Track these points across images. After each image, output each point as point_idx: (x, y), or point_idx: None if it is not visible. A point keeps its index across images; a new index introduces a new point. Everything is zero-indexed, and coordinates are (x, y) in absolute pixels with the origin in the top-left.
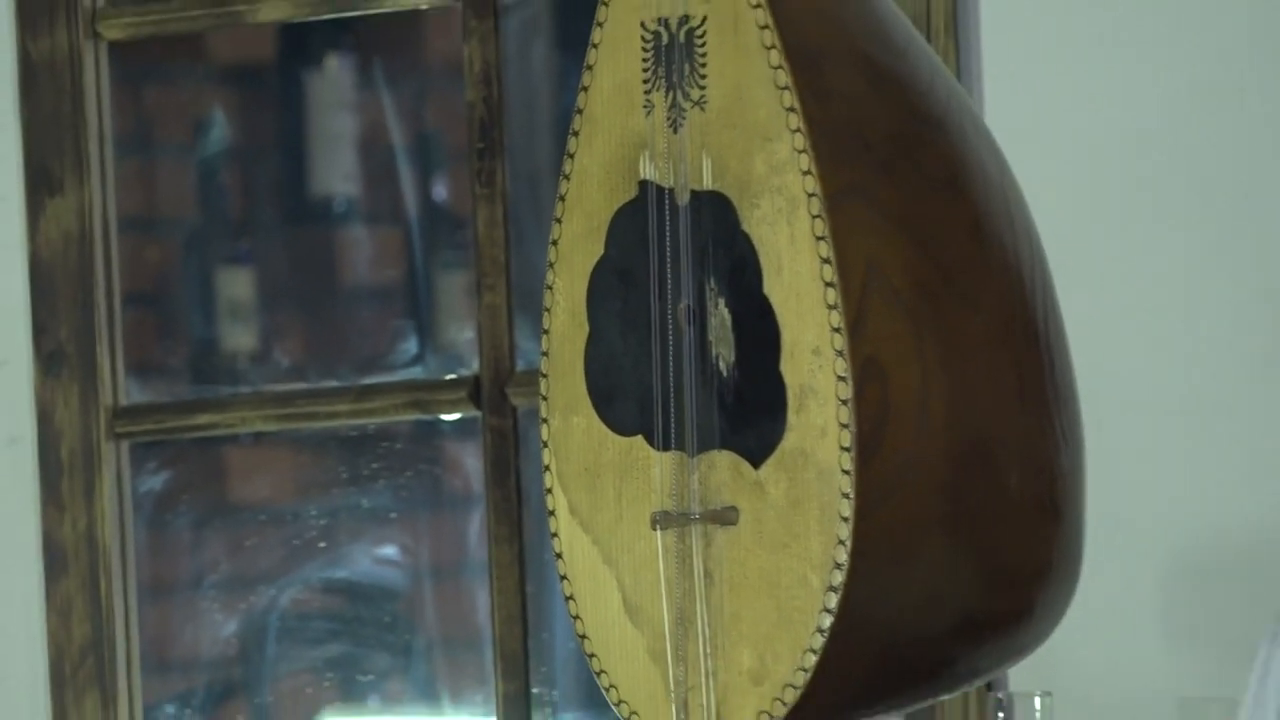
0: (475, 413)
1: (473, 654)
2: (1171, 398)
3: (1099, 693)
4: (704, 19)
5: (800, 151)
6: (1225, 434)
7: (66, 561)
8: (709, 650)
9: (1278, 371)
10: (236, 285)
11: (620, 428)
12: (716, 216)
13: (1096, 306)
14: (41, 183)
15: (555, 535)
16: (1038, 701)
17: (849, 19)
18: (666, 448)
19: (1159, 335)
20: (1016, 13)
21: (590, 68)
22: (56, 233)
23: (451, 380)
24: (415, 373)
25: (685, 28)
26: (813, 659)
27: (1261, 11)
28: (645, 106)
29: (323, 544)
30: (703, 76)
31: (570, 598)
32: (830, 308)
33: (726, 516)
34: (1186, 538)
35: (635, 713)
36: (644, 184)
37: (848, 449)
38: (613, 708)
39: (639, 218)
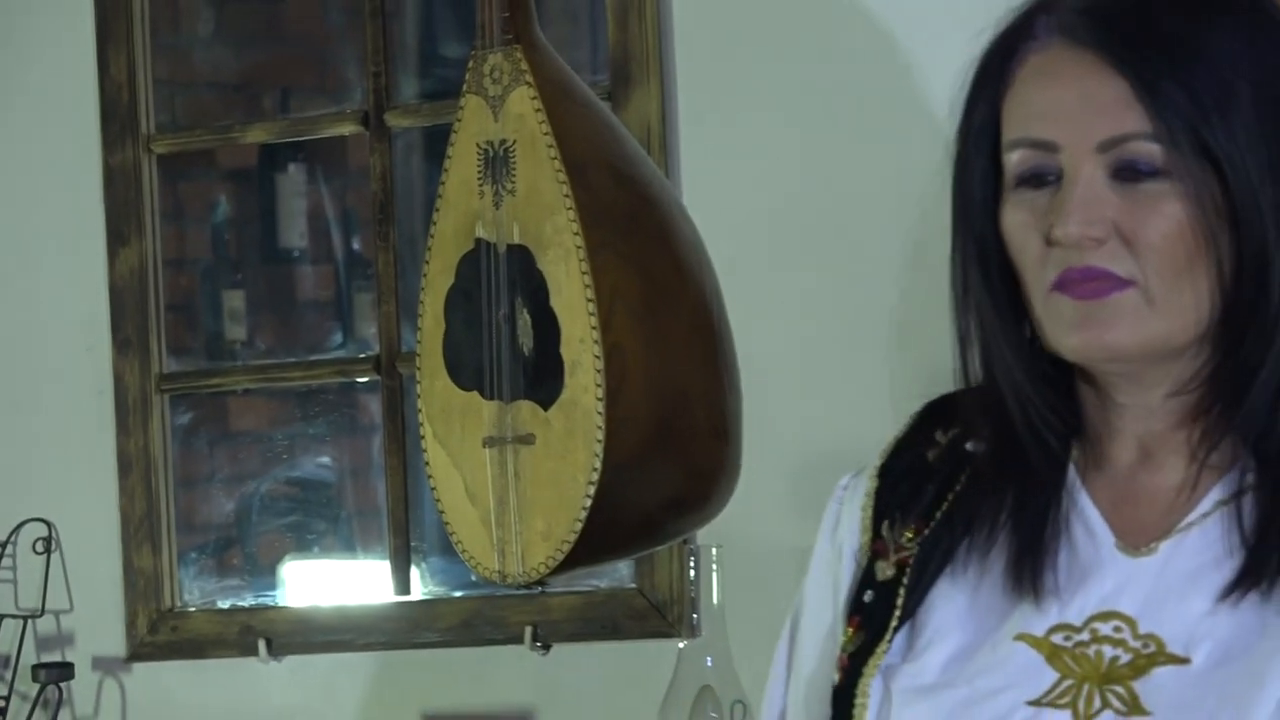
0: (377, 377)
1: (375, 522)
2: (795, 364)
3: (750, 544)
4: (514, 141)
5: (571, 222)
6: (831, 386)
7: (131, 465)
8: (517, 519)
9: (862, 347)
10: (233, 300)
11: (464, 386)
12: (522, 260)
13: (751, 307)
14: (116, 239)
15: (425, 450)
16: (714, 551)
17: (600, 141)
18: (491, 398)
19: (788, 325)
20: (702, 133)
21: (446, 170)
22: (125, 269)
23: (363, 358)
24: (341, 353)
25: (503, 146)
26: (579, 525)
27: (870, 121)
28: (479, 193)
29: (285, 456)
30: (513, 175)
31: (434, 487)
32: (590, 315)
33: (527, 439)
34: (808, 447)
35: (473, 558)
36: (478, 240)
37: (600, 399)
38: (459, 554)
39: (475, 260)
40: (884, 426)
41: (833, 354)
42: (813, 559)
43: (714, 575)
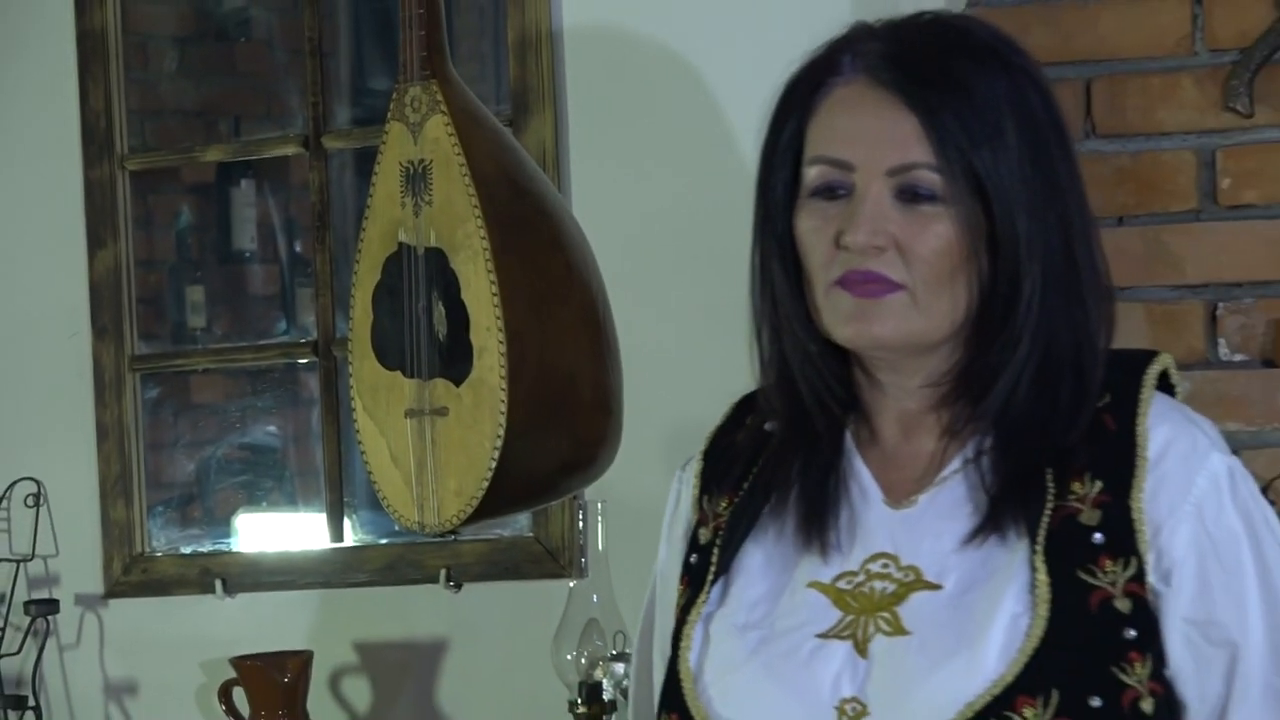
0: (315, 359)
1: (313, 480)
2: (666, 349)
3: (629, 500)
4: (431, 161)
5: (479, 228)
6: (696, 367)
7: (108, 433)
8: (433, 479)
9: (722, 334)
10: (195, 295)
11: (388, 366)
12: (438, 260)
13: (630, 301)
14: (95, 242)
15: (355, 420)
16: (599, 506)
17: (503, 160)
18: (411, 377)
19: (661, 317)
20: (589, 154)
21: (373, 185)
22: (102, 268)
23: (303, 342)
24: (285, 338)
25: (422, 165)
26: (485, 484)
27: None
28: (402, 205)
29: (237, 425)
30: (430, 190)
31: (363, 452)
32: (495, 307)
33: (442, 412)
34: (677, 419)
35: (396, 511)
36: (401, 244)
37: (503, 378)
38: (385, 508)
39: (398, 261)
40: None
41: (697, 340)
42: (662, 532)
43: (599, 526)
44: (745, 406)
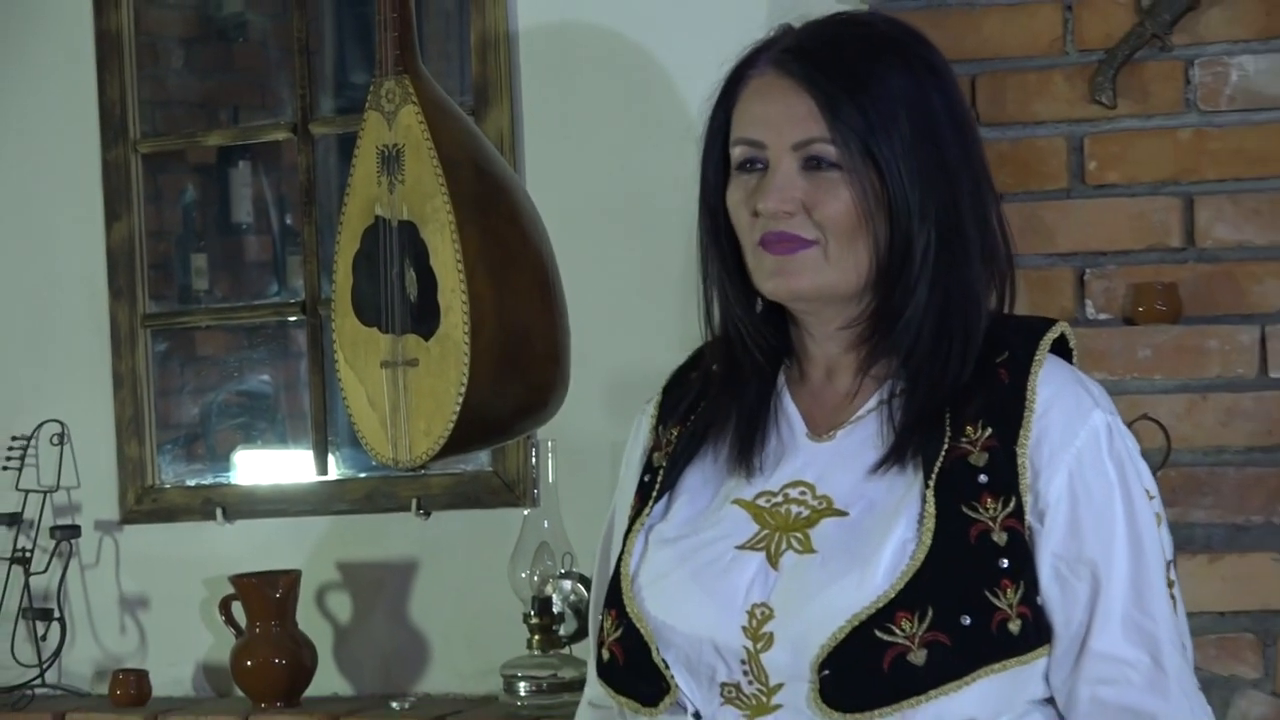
0: (303, 317)
1: (302, 422)
2: (608, 308)
3: (575, 439)
4: (404, 145)
5: (445, 204)
6: (634, 324)
7: (123, 381)
8: (405, 420)
9: (657, 296)
10: (198, 261)
11: (366, 323)
12: (409, 232)
13: (577, 266)
14: (112, 215)
15: (338, 370)
16: (549, 444)
17: (467, 145)
18: (387, 332)
19: (604, 280)
20: (540, 138)
21: (353, 166)
22: (118, 238)
23: (293, 303)
24: (277, 299)
25: (395, 148)
26: (451, 425)
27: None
28: (378, 183)
29: (235, 375)
30: (403, 170)
31: (345, 397)
32: (459, 272)
33: (413, 363)
34: (617, 370)
35: (373, 448)
36: (377, 217)
37: (466, 334)
38: (363, 446)
39: (375, 232)
40: (672, 355)
41: (634, 300)
42: (624, 459)
43: (549, 462)
44: (702, 352)
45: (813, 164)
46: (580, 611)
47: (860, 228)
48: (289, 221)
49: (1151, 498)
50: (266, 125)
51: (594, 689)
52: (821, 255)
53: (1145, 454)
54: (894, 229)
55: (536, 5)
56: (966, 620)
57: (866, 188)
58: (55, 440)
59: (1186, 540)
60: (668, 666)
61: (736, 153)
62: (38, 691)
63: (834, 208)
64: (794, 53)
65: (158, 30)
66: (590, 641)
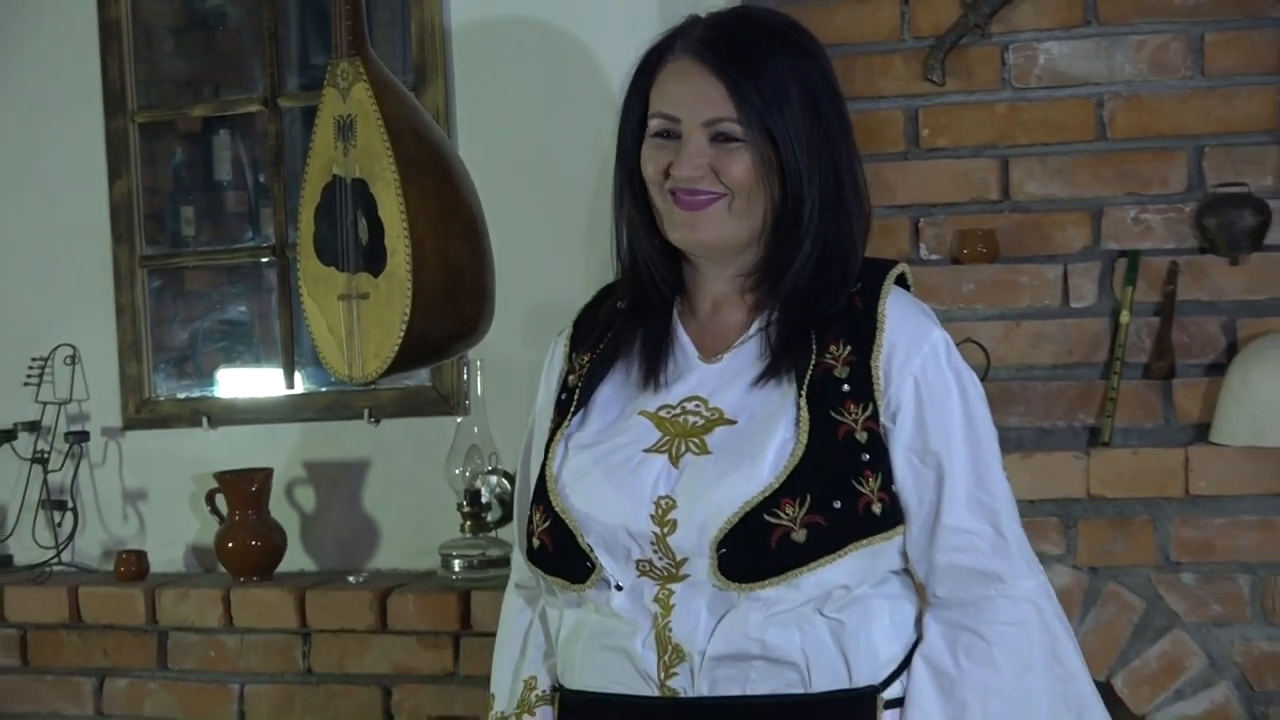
0: (274, 259)
1: (273, 345)
2: (527, 251)
3: (499, 359)
4: (356, 115)
5: (390, 165)
6: (549, 265)
7: (124, 311)
8: (359, 344)
9: (567, 240)
10: (186, 213)
11: (326, 264)
12: (361, 188)
13: (501, 216)
14: (114, 174)
15: (303, 302)
16: (478, 363)
17: (408, 115)
18: (343, 271)
19: (524, 227)
20: (470, 109)
21: (314, 134)
22: (119, 193)
23: (266, 246)
24: (251, 244)
25: (349, 119)
26: (396, 347)
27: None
28: (335, 147)
29: (218, 306)
30: (355, 137)
31: (309, 325)
32: (402, 222)
33: (365, 296)
34: (533, 303)
35: (332, 367)
36: (335, 176)
37: (409, 273)
38: (324, 365)
39: (332, 188)
40: (578, 290)
41: (549, 246)
42: (541, 380)
43: (478, 378)
44: (605, 291)
45: (720, 138)
46: (505, 501)
47: (759, 189)
48: (261, 179)
49: (982, 399)
50: (242, 99)
51: (520, 573)
52: (726, 208)
53: None
54: (787, 191)
55: (467, 1)
56: (837, 504)
57: (765, 156)
58: (68, 361)
59: (1001, 442)
60: (592, 550)
61: (654, 123)
62: (54, 569)
63: (738, 169)
64: (706, 44)
65: (151, 20)
66: (515, 534)
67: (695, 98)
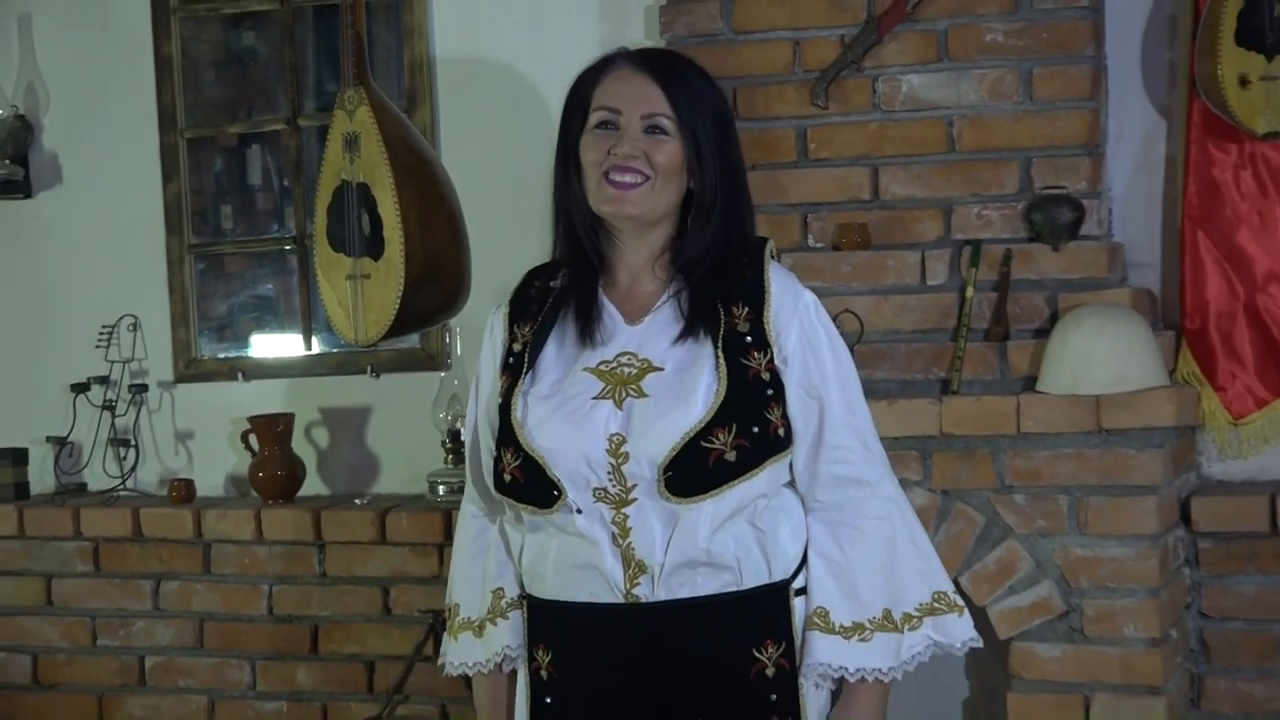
0: (295, 246)
1: (294, 316)
2: (496, 239)
3: (474, 325)
4: (360, 133)
5: (388, 173)
6: (518, 248)
7: (176, 289)
8: (363, 314)
9: (528, 231)
10: (225, 210)
11: (336, 250)
12: (364, 190)
13: (476, 215)
14: (167, 178)
15: (318, 281)
16: (457, 329)
17: (402, 132)
18: (350, 255)
19: (496, 225)
20: (453, 128)
21: (326, 148)
22: (171, 195)
23: (289, 236)
24: (276, 235)
25: (355, 135)
26: (392, 317)
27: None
28: (344, 158)
29: (250, 284)
30: (359, 149)
31: (323, 300)
32: (397, 217)
33: (367, 277)
34: (499, 281)
35: (341, 332)
36: (343, 180)
37: (402, 258)
38: (335, 330)
39: (341, 191)
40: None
41: (513, 237)
42: (481, 352)
43: (457, 341)
44: (532, 275)
45: (653, 130)
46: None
47: (677, 174)
48: (285, 184)
49: (844, 345)
50: (269, 119)
51: (473, 502)
52: (650, 189)
53: (845, 334)
54: (704, 182)
55: (450, 40)
56: (755, 430)
57: (685, 151)
58: (131, 328)
59: (870, 391)
60: (560, 480)
61: (597, 115)
62: (120, 494)
63: (664, 156)
64: (645, 58)
65: (197, 56)
66: (469, 471)
67: (636, 96)
